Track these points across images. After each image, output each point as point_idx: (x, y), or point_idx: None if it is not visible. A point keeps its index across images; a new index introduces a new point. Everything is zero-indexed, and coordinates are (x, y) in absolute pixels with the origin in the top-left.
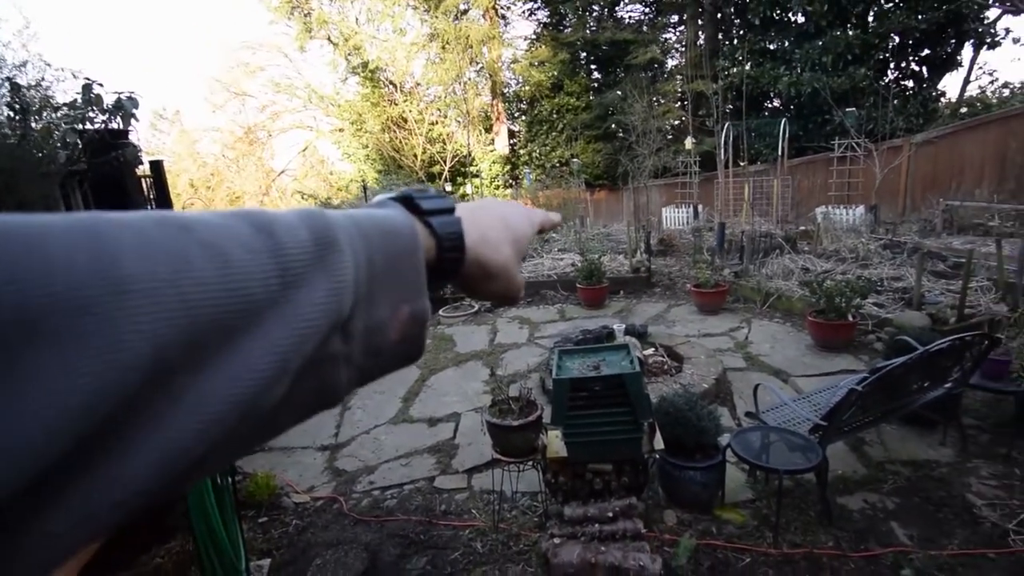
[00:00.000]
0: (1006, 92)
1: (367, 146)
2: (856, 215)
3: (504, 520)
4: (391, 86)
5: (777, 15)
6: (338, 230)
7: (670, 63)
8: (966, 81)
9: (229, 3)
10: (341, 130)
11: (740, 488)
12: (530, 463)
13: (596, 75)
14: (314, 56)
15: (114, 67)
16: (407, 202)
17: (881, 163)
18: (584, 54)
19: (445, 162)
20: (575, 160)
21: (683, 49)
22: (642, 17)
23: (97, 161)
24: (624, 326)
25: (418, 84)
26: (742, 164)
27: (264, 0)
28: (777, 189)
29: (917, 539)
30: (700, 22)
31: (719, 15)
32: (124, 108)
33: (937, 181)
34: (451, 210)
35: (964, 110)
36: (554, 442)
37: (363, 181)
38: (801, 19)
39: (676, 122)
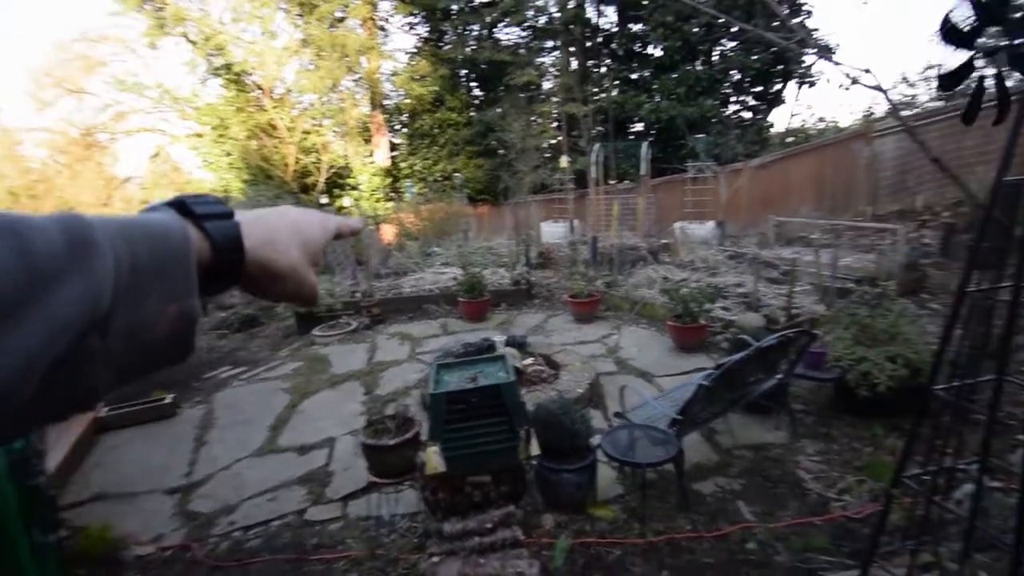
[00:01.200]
0: (822, 125)
1: (231, 154)
2: (707, 229)
3: (382, 546)
4: (259, 91)
5: (639, 48)
6: (96, 231)
7: (546, 85)
8: (791, 114)
9: None
10: (200, 135)
11: (611, 485)
12: (408, 483)
13: (477, 92)
14: (168, 54)
15: None
16: (182, 207)
17: (726, 184)
18: (465, 71)
19: (320, 173)
20: (457, 175)
21: (558, 73)
22: (520, 40)
23: None
24: (505, 337)
25: (290, 90)
26: (611, 182)
27: None
28: (642, 206)
29: (759, 514)
30: (572, 49)
31: (588, 44)
32: None
33: (770, 199)
34: (228, 215)
35: (790, 139)
36: (433, 458)
37: (226, 191)
38: (659, 53)
39: (553, 141)
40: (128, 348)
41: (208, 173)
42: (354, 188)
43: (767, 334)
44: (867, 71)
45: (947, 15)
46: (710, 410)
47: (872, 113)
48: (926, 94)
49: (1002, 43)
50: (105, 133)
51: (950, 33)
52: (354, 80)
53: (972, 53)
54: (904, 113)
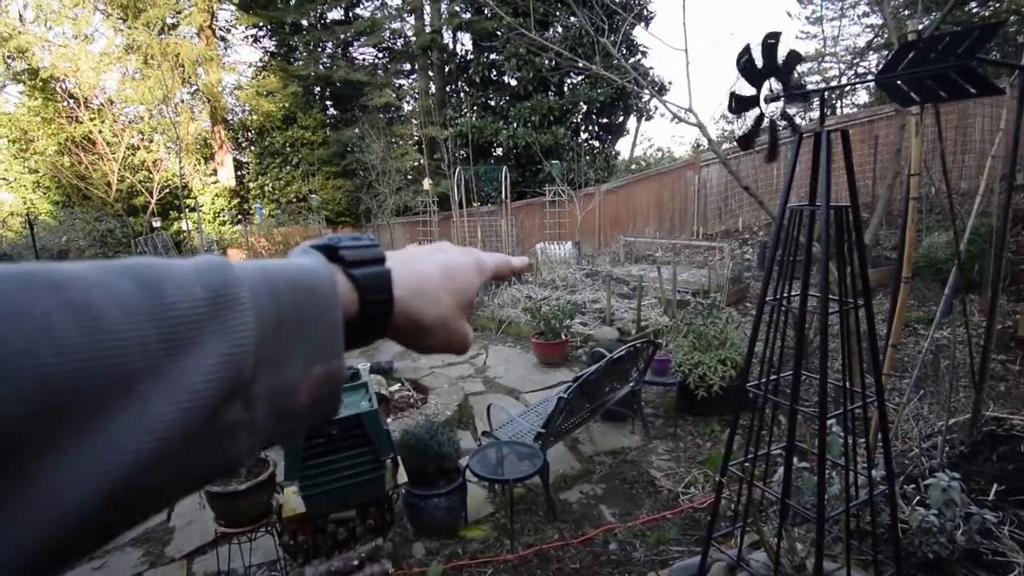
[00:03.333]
0: (659, 154)
1: (38, 171)
2: (566, 249)
3: None
4: (72, 100)
5: (495, 76)
6: (241, 286)
7: (406, 107)
8: (633, 144)
9: None
10: None
11: (482, 504)
12: (264, 529)
13: (332, 111)
14: None
15: None
16: (331, 251)
17: (580, 206)
18: (318, 89)
19: (151, 193)
20: (314, 196)
21: (417, 96)
22: (376, 61)
23: None
24: (369, 364)
25: (112, 101)
26: (475, 205)
27: None
28: (504, 228)
29: (619, 515)
30: (430, 73)
31: (447, 69)
32: None
33: (620, 221)
34: (380, 260)
35: (634, 166)
36: (290, 499)
37: (30, 214)
38: (514, 82)
39: (414, 164)
40: (272, 414)
41: (7, 193)
42: (193, 210)
43: (620, 346)
44: (689, 110)
45: (732, 93)
46: (572, 421)
47: (700, 145)
48: (742, 129)
49: (780, 92)
50: None
51: (737, 104)
52: (191, 92)
53: (759, 112)
54: (724, 146)
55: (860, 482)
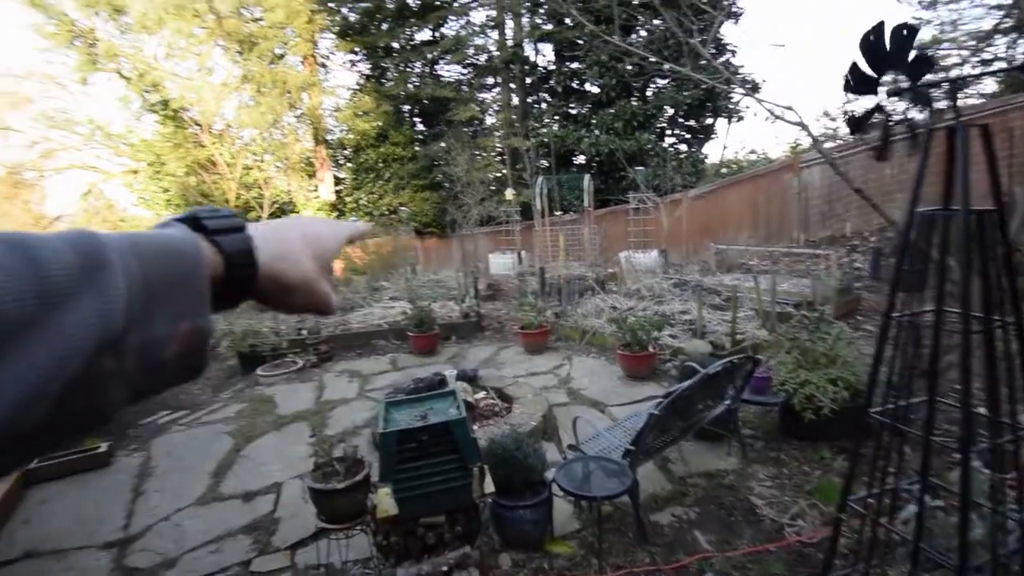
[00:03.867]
0: (753, 156)
1: (169, 190)
2: (651, 258)
3: None
4: (197, 127)
5: (576, 85)
6: (109, 251)
7: (489, 120)
8: (724, 147)
9: None
10: (135, 172)
11: (568, 520)
12: (359, 527)
13: (420, 127)
14: (100, 90)
15: None
16: (194, 222)
17: (666, 213)
18: (408, 107)
19: (263, 208)
20: (403, 208)
21: (500, 109)
22: (461, 77)
23: None
24: (456, 371)
25: (230, 126)
26: (557, 214)
27: (36, 26)
28: (587, 236)
29: (715, 543)
30: (512, 86)
31: (528, 81)
32: None
33: (710, 228)
34: (240, 228)
35: (724, 170)
36: (384, 500)
37: None
38: (595, 90)
39: (497, 175)
40: (141, 367)
41: (145, 210)
42: None
43: (713, 360)
44: (789, 108)
45: (852, 67)
46: (662, 439)
47: (799, 145)
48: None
49: (904, 85)
50: (33, 171)
51: (855, 83)
52: (296, 116)
53: (877, 100)
54: (827, 145)
55: (1009, 526)
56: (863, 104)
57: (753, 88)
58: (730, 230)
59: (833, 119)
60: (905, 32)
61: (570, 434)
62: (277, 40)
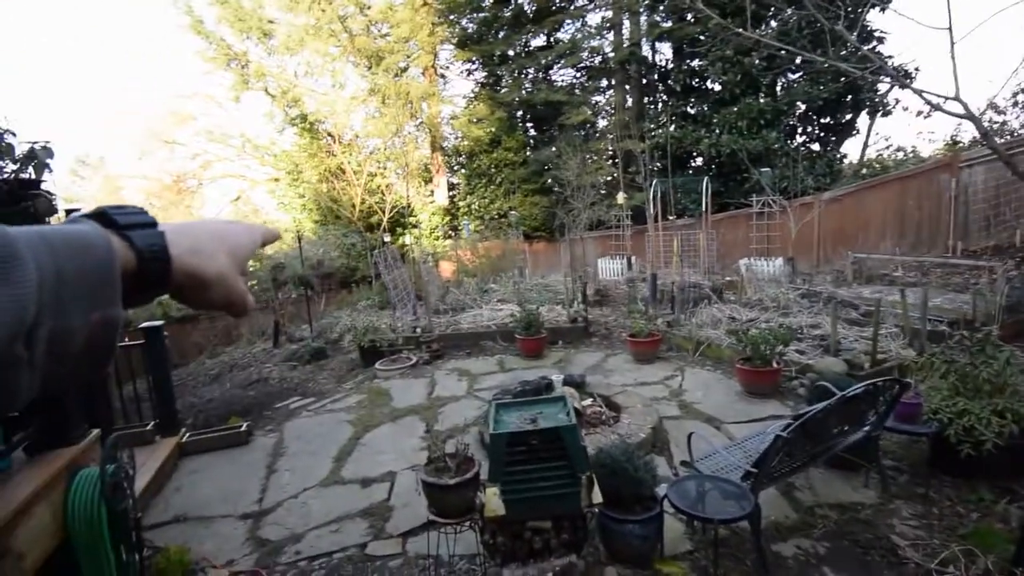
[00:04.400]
0: (900, 155)
1: (304, 196)
2: (776, 266)
3: None
4: (330, 137)
5: (696, 83)
6: (19, 244)
7: (601, 123)
8: (865, 145)
9: (163, 52)
10: (277, 180)
11: (679, 539)
12: (467, 524)
13: (532, 132)
14: (250, 106)
15: (40, 110)
16: (104, 218)
17: (795, 218)
18: (520, 112)
19: (384, 212)
20: (513, 212)
21: (612, 111)
22: (574, 81)
23: (5, 212)
24: (563, 376)
25: (357, 136)
26: (671, 218)
27: (200, 51)
28: (703, 242)
29: None
30: (627, 87)
31: (644, 81)
32: (37, 158)
33: (845, 235)
34: (152, 224)
35: (865, 171)
36: (492, 500)
37: (298, 231)
38: (717, 87)
39: (608, 178)
40: (51, 355)
41: (283, 214)
42: (415, 227)
43: (849, 380)
44: (955, 98)
45: None
46: (789, 464)
47: (957, 142)
48: (1017, 120)
49: None
50: (194, 179)
51: None
52: (416, 125)
53: None
54: (996, 141)
55: None
56: None
57: (906, 77)
58: (870, 237)
59: (1002, 112)
60: None
61: (682, 449)
62: (401, 54)
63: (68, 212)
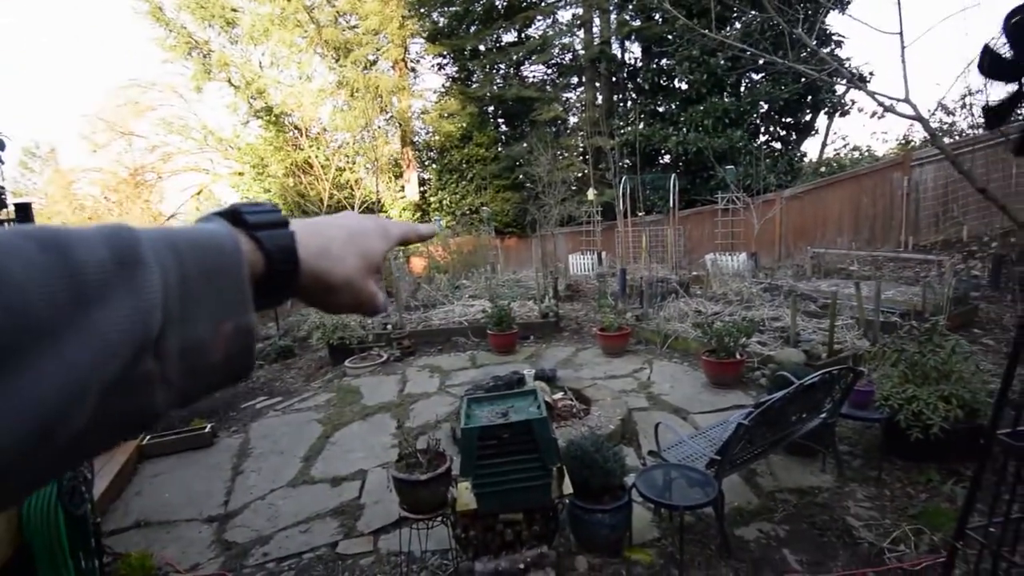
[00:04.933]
0: (856, 154)
1: (269, 190)
2: (740, 261)
3: None
4: (296, 131)
5: (664, 82)
6: (144, 247)
7: (572, 120)
8: (823, 144)
9: (117, 39)
10: (241, 174)
11: (647, 527)
12: (439, 519)
13: (504, 128)
14: (212, 98)
15: None
16: (235, 216)
17: (758, 215)
18: (492, 108)
19: (353, 208)
20: (485, 208)
21: (583, 108)
22: (545, 77)
23: None
24: (534, 371)
25: (325, 130)
26: (639, 214)
27: (159, 39)
28: (671, 238)
29: (806, 564)
30: (597, 84)
31: (614, 79)
32: None
33: (805, 230)
34: (283, 223)
35: (823, 169)
36: (464, 494)
37: None
38: (685, 86)
39: (579, 174)
40: (185, 369)
41: None
42: None
43: (808, 370)
44: (904, 100)
45: (986, 47)
46: (750, 450)
47: (909, 141)
48: (965, 121)
49: None
50: (152, 173)
51: (992, 66)
52: (386, 119)
53: (1019, 86)
54: (945, 141)
55: None
56: (996, 94)
57: (860, 80)
58: (828, 233)
59: (951, 113)
60: None
61: (650, 440)
62: (371, 46)
63: (17, 207)
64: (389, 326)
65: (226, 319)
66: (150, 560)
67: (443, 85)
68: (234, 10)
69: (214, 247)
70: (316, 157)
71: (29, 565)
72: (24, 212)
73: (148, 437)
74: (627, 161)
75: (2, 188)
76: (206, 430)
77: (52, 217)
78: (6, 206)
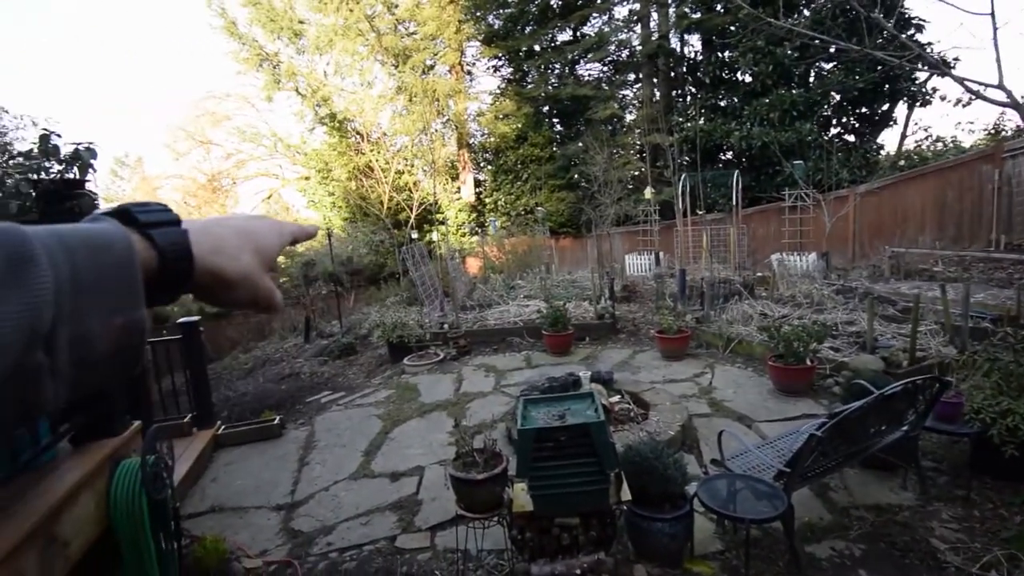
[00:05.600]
0: (939, 146)
1: (333, 193)
2: (809, 261)
3: None
4: (358, 136)
5: (726, 75)
6: (35, 245)
7: (628, 117)
8: (903, 136)
9: (198, 53)
10: (307, 178)
11: (709, 539)
12: (495, 519)
13: (559, 128)
14: (281, 106)
15: (78, 111)
16: (126, 216)
17: (829, 212)
18: (547, 108)
19: (411, 210)
20: (540, 208)
21: (640, 105)
22: (600, 75)
23: (51, 211)
24: (590, 373)
25: (385, 134)
26: (700, 213)
27: (233, 52)
28: (733, 237)
29: None
30: (655, 80)
31: (672, 74)
32: (82, 158)
33: (882, 228)
34: (175, 222)
35: (902, 163)
36: (520, 495)
37: (328, 228)
38: (748, 78)
39: (636, 173)
40: (75, 362)
41: (314, 212)
42: (442, 223)
43: (887, 379)
44: (999, 86)
45: None
46: (823, 463)
47: (1001, 131)
48: None
49: None
50: (228, 179)
51: None
52: (443, 122)
53: None
54: None
55: None
56: None
57: (945, 66)
58: (909, 231)
59: None
60: None
61: (712, 448)
62: (428, 52)
63: None
64: (446, 325)
65: (117, 314)
66: (223, 544)
67: (498, 87)
68: (301, 22)
69: (105, 244)
70: (377, 161)
71: (114, 545)
72: None
73: (223, 427)
74: (687, 158)
75: (95, 195)
76: (275, 422)
77: None
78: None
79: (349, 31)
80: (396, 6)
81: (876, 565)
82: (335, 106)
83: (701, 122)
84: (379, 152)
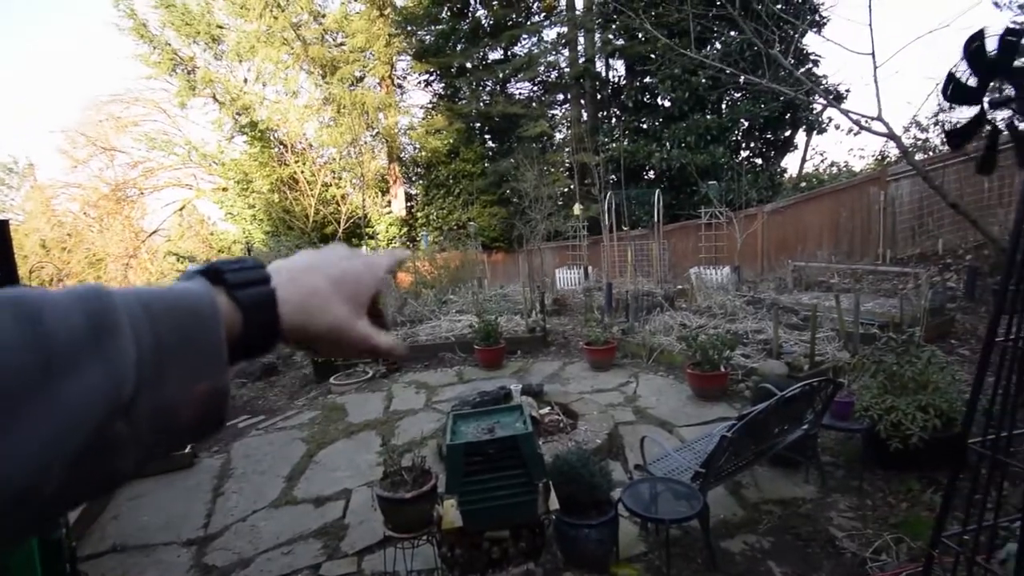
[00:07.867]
0: (834, 170)
1: (254, 206)
2: (724, 275)
3: None
4: (282, 146)
5: (647, 99)
6: (119, 311)
7: (558, 136)
8: (803, 160)
9: (100, 53)
10: (225, 189)
11: (634, 541)
12: (425, 537)
13: (491, 144)
14: (197, 113)
15: None
16: (215, 274)
17: (741, 229)
18: (479, 124)
19: (339, 223)
20: (472, 223)
21: (569, 124)
22: (531, 94)
23: None
24: (521, 386)
25: (311, 146)
26: (625, 229)
27: (143, 55)
28: (656, 252)
29: (791, 575)
30: (582, 101)
31: (599, 96)
32: None
33: (787, 244)
34: (264, 280)
35: (803, 184)
36: (449, 512)
37: (247, 242)
38: (667, 104)
39: (565, 190)
40: (156, 429)
41: (232, 225)
42: (372, 237)
43: (790, 382)
44: (878, 118)
45: (950, 74)
46: (735, 463)
47: (886, 157)
48: (938, 137)
49: (1012, 95)
50: (134, 189)
51: (956, 92)
52: (372, 135)
53: (980, 109)
54: (919, 157)
55: None
56: (962, 115)
57: (836, 99)
58: (809, 246)
59: (924, 129)
60: (1013, 37)
61: (636, 453)
62: (357, 64)
63: None
64: None
65: (200, 382)
66: None
67: (430, 102)
68: (220, 27)
69: (190, 310)
70: (302, 173)
71: None
72: (1, 230)
73: None
74: (612, 177)
75: None
76: (186, 451)
77: (30, 234)
78: None
79: (273, 39)
80: (323, 16)
81: (783, 556)
82: (257, 115)
83: (625, 143)
84: (304, 164)
